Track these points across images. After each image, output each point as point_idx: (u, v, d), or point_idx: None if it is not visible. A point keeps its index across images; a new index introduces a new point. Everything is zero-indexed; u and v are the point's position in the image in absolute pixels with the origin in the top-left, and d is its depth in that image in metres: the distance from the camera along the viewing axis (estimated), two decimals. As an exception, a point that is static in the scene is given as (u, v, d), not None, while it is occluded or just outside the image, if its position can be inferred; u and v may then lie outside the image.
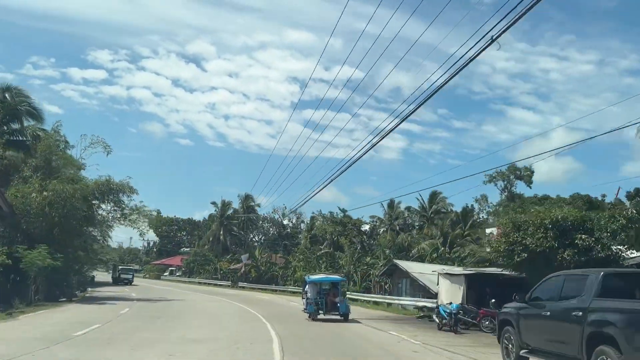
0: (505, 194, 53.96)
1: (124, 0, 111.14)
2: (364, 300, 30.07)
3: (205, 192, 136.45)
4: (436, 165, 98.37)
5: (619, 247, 12.69)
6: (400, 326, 16.63)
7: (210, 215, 72.27)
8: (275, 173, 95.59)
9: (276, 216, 68.95)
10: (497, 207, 50.62)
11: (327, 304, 18.34)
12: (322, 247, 48.46)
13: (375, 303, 28.27)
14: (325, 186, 22.04)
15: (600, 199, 38.14)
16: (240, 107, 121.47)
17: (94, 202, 26.91)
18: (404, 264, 28.05)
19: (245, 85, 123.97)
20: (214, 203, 67.66)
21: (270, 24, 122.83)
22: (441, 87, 11.34)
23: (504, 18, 8.83)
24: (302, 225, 70.69)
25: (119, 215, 28.24)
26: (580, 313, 6.74)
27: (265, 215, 70.52)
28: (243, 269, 50.31)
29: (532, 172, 52.54)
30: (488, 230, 17.27)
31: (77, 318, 15.73)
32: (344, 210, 52.29)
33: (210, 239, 66.86)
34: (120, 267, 54.52)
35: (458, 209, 49.52)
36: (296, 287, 38.05)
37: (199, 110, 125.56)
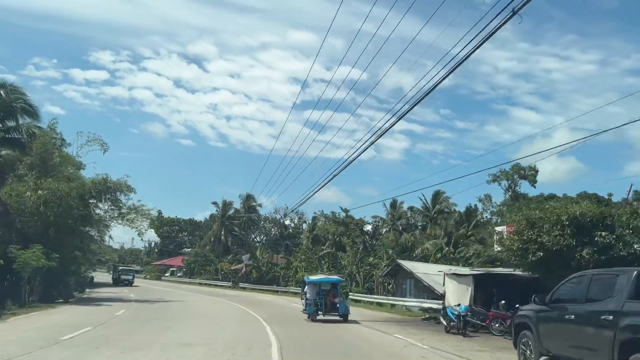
0: (509, 193, 53.34)
1: (126, 1, 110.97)
2: (367, 301, 29.38)
3: (206, 192, 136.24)
4: (439, 165, 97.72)
5: None
6: (405, 329, 15.94)
7: (212, 216, 71.78)
8: (275, 172, 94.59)
9: (278, 216, 68.36)
10: (501, 207, 49.98)
11: (327, 305, 18.21)
12: (324, 248, 47.86)
13: (379, 304, 27.58)
14: (325, 185, 21.44)
15: (606, 197, 37.43)
16: (242, 108, 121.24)
17: (90, 201, 26.33)
18: (408, 264, 27.35)
19: (247, 85, 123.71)
20: (214, 203, 67.15)
21: (272, 24, 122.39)
22: (441, 81, 10.99)
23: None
24: (304, 225, 70.13)
25: (116, 215, 27.65)
26: (611, 317, 6.07)
27: (267, 215, 70.01)
28: (244, 270, 49.69)
29: (537, 171, 51.96)
30: (499, 229, 16.55)
31: (69, 320, 15.13)
32: (346, 210, 51.69)
33: (211, 239, 66.26)
34: (120, 267, 53.91)
35: (461, 208, 49.08)
36: (298, 288, 37.38)
37: (200, 111, 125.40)
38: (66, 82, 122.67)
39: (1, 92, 25.47)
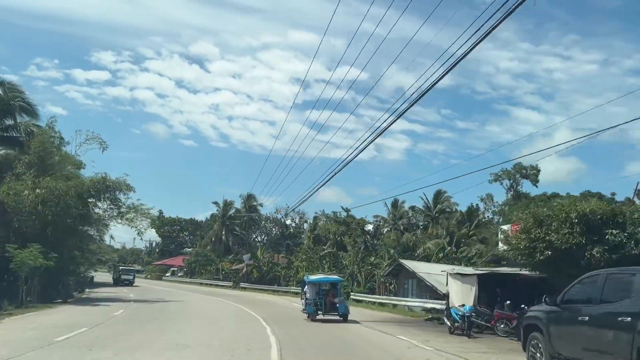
0: (511, 193, 53.01)
1: (127, 2, 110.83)
2: (369, 301, 29.07)
3: (208, 192, 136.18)
4: (440, 166, 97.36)
5: None
6: (408, 330, 15.61)
7: (212, 215, 71.54)
8: (274, 172, 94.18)
9: (279, 216, 68.08)
10: (503, 207, 49.65)
11: (326, 305, 18.12)
12: (325, 247, 47.59)
13: (381, 304, 27.27)
14: (325, 183, 21.22)
15: (610, 197, 37.06)
16: (243, 108, 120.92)
17: (89, 200, 26.04)
18: (410, 264, 27.05)
19: (249, 86, 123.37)
20: (215, 203, 66.87)
21: (273, 24, 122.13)
22: (440, 79, 10.83)
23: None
24: (305, 225, 69.84)
25: (115, 214, 27.33)
26: (629, 319, 5.74)
27: (268, 215, 69.73)
28: (245, 270, 49.40)
29: (538, 170, 51.66)
30: (505, 227, 16.19)
31: (65, 321, 14.83)
32: (347, 210, 51.37)
33: (212, 239, 66.00)
34: (121, 267, 53.64)
35: (463, 208, 48.86)
36: (299, 288, 37.07)
37: (202, 111, 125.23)
38: (68, 82, 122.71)
39: (-1, 90, 25.23)
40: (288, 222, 71.37)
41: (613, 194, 38.62)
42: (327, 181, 20.84)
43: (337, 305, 17.95)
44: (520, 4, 8.29)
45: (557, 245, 11.35)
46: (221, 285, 50.99)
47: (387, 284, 30.92)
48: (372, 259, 37.51)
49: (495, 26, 8.77)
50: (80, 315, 17.26)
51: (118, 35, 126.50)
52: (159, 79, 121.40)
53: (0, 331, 12.22)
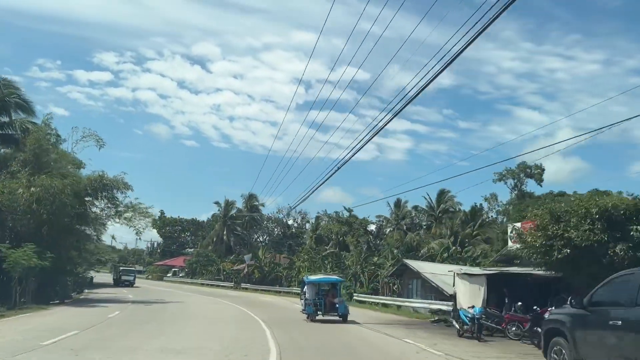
0: (515, 192, 52.34)
1: (129, 3, 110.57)
2: (372, 302, 28.42)
3: (210, 193, 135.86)
4: (442, 166, 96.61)
5: None
6: (414, 332, 14.94)
7: (214, 215, 71.01)
8: (274, 171, 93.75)
9: (280, 216, 67.49)
10: (507, 206, 48.98)
11: (326, 305, 17.97)
12: (327, 247, 47.00)
13: (385, 305, 26.61)
14: (325, 181, 20.70)
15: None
16: (245, 109, 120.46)
17: (86, 199, 25.47)
18: (415, 264, 26.41)
19: (250, 86, 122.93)
20: (217, 203, 66.28)
21: (275, 25, 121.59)
22: (437, 75, 10.56)
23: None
24: (307, 225, 69.21)
25: (113, 213, 26.76)
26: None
27: (270, 215, 69.14)
28: (246, 270, 48.83)
29: (543, 169, 50.95)
30: (517, 225, 15.52)
31: (57, 323, 14.22)
32: (349, 210, 50.79)
33: (214, 239, 65.43)
34: (121, 268, 53.05)
35: (466, 208, 48.27)
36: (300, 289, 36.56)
37: (204, 112, 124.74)
38: (70, 83, 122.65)
39: (-6, 86, 24.71)
40: (290, 222, 70.86)
41: (620, 192, 37.76)
42: (327, 179, 20.34)
43: (337, 305, 17.78)
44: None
45: (577, 242, 10.64)
46: (222, 286, 50.41)
47: (391, 285, 30.35)
48: (375, 259, 36.96)
49: (492, 22, 8.63)
50: (74, 317, 16.67)
51: (120, 36, 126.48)
52: (161, 79, 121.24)
53: (-12, 334, 11.63)
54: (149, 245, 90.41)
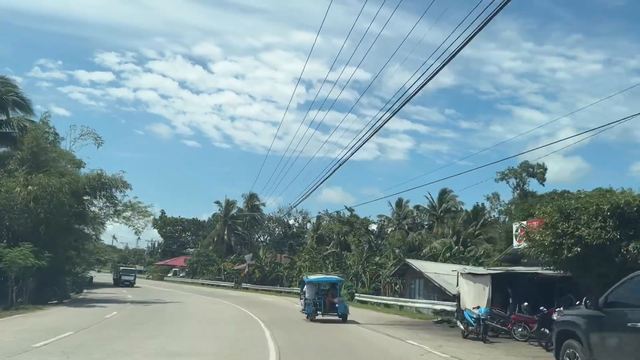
0: (518, 191, 51.97)
1: (130, 3, 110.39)
2: (374, 302, 28.08)
3: (211, 193, 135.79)
4: (443, 166, 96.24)
5: None
6: (417, 334, 14.59)
7: (215, 215, 70.68)
8: (274, 171, 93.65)
9: (281, 215, 67.13)
10: (509, 206, 48.63)
11: (326, 305, 17.92)
12: (328, 247, 46.67)
13: (387, 305, 26.26)
14: (325, 180, 20.52)
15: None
16: (246, 109, 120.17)
17: (85, 197, 25.16)
18: (417, 264, 26.06)
19: (251, 86, 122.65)
20: (217, 202, 65.99)
21: (276, 25, 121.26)
22: (435, 73, 10.68)
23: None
24: (308, 225, 68.86)
25: (112, 212, 26.45)
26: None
27: (271, 215, 68.81)
28: (247, 270, 48.52)
29: (545, 169, 50.60)
30: (524, 223, 15.17)
31: (52, 324, 13.92)
32: (350, 210, 50.42)
33: (214, 239, 65.13)
34: (121, 268, 52.73)
35: (468, 207, 47.95)
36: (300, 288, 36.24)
37: (205, 112, 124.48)
38: (71, 83, 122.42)
39: (-10, 84, 24.42)
40: (291, 222, 70.52)
41: (629, 189, 37.24)
42: (327, 177, 20.13)
43: (337, 305, 17.70)
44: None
45: (588, 240, 10.27)
46: (223, 286, 50.12)
47: (393, 284, 30.02)
48: (377, 258, 36.62)
49: (490, 19, 8.67)
50: (70, 317, 16.36)
51: (121, 36, 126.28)
52: (162, 79, 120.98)
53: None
54: (150, 245, 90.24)
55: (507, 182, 52.37)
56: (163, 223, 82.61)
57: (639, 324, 5.59)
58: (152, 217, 30.54)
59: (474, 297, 15.89)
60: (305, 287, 18.76)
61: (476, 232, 42.38)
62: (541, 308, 13.18)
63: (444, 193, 48.97)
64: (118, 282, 47.40)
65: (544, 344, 11.74)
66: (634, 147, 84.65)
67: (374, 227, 53.14)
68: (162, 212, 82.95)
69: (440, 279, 22.08)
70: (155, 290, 39.44)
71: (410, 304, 24.08)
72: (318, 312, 17.67)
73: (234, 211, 64.59)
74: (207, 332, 13.37)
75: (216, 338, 11.90)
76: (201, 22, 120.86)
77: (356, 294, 31.35)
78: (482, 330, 13.05)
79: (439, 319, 19.10)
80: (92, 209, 26.60)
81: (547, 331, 11.84)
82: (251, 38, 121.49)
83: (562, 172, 79.83)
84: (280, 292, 41.28)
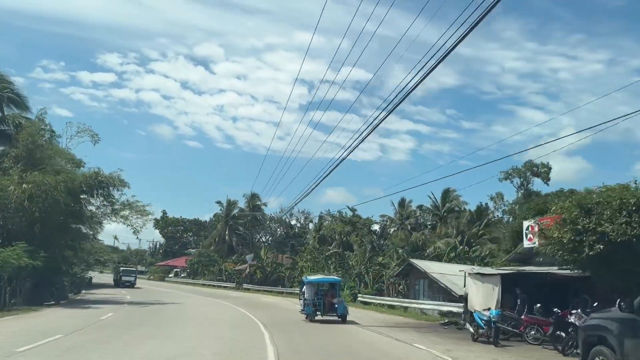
0: (522, 191, 51.34)
1: (133, 4, 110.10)
2: (378, 303, 27.41)
3: (213, 193, 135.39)
4: (444, 166, 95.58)
5: None
6: (425, 336, 13.94)
7: (216, 215, 70.14)
8: (275, 171, 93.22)
9: (283, 215, 66.54)
10: (513, 205, 47.98)
11: (325, 305, 17.77)
12: (330, 247, 46.08)
13: (391, 307, 25.59)
14: (325, 177, 20.01)
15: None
16: (248, 109, 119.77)
17: (81, 196, 24.59)
18: (422, 264, 25.38)
19: (253, 87, 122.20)
20: (219, 202, 65.43)
21: (278, 25, 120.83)
22: (430, 71, 10.38)
23: None
24: (310, 225, 68.28)
25: (109, 211, 25.89)
26: None
27: (272, 215, 68.24)
28: (248, 270, 47.93)
29: (550, 168, 49.92)
30: (533, 221, 14.54)
31: (44, 326, 13.34)
32: (353, 210, 49.84)
33: (216, 239, 64.56)
34: (121, 268, 52.18)
35: (472, 207, 47.33)
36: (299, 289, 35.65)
37: (207, 113, 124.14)
38: (74, 84, 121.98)
39: (-16, 80, 23.89)
40: (293, 222, 69.94)
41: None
42: (327, 175, 19.62)
43: (336, 305, 17.54)
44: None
45: (612, 237, 9.62)
46: (224, 287, 49.53)
47: (397, 285, 29.39)
48: (380, 258, 36.00)
49: (485, 14, 8.39)
50: (64, 318, 15.78)
51: (123, 37, 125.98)
52: (165, 80, 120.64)
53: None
54: (151, 245, 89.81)
55: (511, 182, 51.72)
56: (165, 223, 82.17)
57: (684, 329, 4.96)
58: (150, 216, 29.91)
59: (483, 298, 15.25)
60: (305, 287, 18.55)
61: (480, 232, 41.82)
62: (555, 310, 12.51)
63: (447, 193, 48.34)
64: (118, 283, 46.87)
65: (560, 347, 11.10)
66: (636, 147, 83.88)
67: (376, 227, 52.64)
68: (164, 213, 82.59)
69: (445, 279, 21.41)
70: (155, 291, 38.88)
71: (415, 305, 23.41)
72: (317, 313, 17.53)
73: (235, 211, 64.03)
74: (204, 334, 12.74)
75: (213, 340, 11.28)
76: (203, 22, 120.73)
77: (359, 295, 30.72)
78: (493, 334, 12.40)
79: (446, 320, 18.44)
80: (89, 207, 26.09)
81: (563, 334, 11.19)
82: (253, 39, 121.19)
83: (565, 172, 79.21)
84: (282, 292, 40.68)
